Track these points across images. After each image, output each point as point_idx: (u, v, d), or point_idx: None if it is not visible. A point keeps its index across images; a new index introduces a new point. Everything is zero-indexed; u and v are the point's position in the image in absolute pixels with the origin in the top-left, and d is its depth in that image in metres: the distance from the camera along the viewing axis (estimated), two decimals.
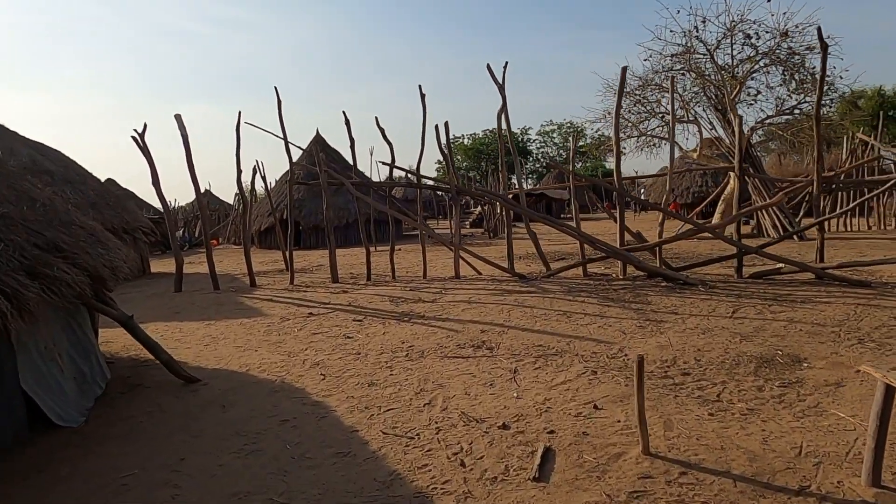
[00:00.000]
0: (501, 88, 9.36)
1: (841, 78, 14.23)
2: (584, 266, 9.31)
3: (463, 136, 71.35)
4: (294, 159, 10.98)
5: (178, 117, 9.26)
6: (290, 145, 10.64)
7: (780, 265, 8.02)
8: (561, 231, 9.18)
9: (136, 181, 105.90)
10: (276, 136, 10.14)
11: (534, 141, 74.99)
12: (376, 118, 10.15)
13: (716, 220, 16.70)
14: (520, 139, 71.45)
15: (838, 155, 22.57)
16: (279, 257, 18.32)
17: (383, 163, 10.09)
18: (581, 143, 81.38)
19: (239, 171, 10.12)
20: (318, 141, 25.73)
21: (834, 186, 17.91)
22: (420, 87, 9.76)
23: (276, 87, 9.98)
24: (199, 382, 5.07)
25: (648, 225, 27.10)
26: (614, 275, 9.30)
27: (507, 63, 9.44)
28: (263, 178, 12.93)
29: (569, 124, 74.10)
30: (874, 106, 33.92)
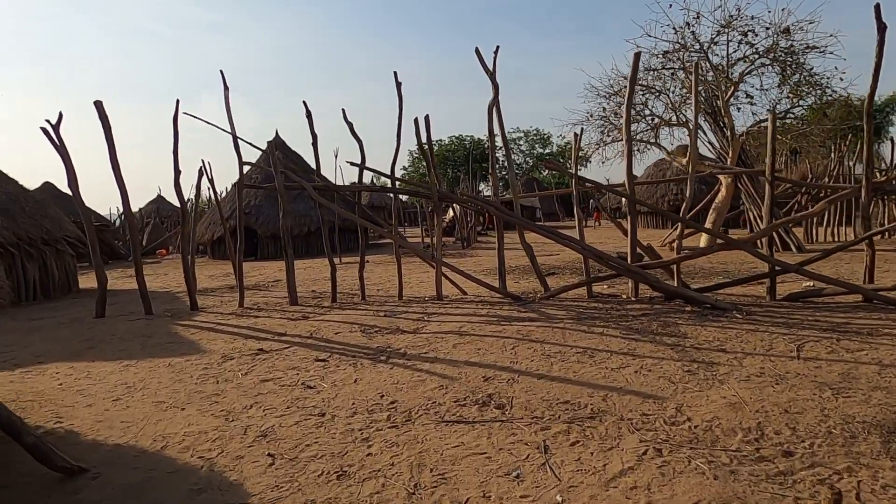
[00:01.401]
0: (492, 76, 7.98)
1: (841, 80, 13.41)
2: (590, 285, 7.97)
3: None
4: (253, 162, 9.37)
5: (97, 104, 7.56)
6: (242, 143, 9.02)
7: (823, 286, 6.85)
8: (563, 244, 7.82)
9: (95, 184, 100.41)
10: (223, 130, 8.51)
11: (499, 148, 74.11)
12: (343, 110, 8.66)
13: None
14: (486, 145, 70.62)
15: (811, 164, 22.10)
16: (233, 270, 16.52)
17: (351, 163, 8.57)
18: (547, 151, 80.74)
19: (177, 172, 8.42)
20: (278, 142, 23.97)
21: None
22: (395, 73, 8.33)
23: (221, 72, 8.38)
24: (85, 474, 3.45)
25: (602, 235, 25.77)
26: (624, 295, 7.98)
27: (497, 48, 8.07)
28: (211, 181, 11.22)
29: (535, 131, 73.82)
30: (842, 115, 34.07)
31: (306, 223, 21.63)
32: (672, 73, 14.83)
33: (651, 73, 14.90)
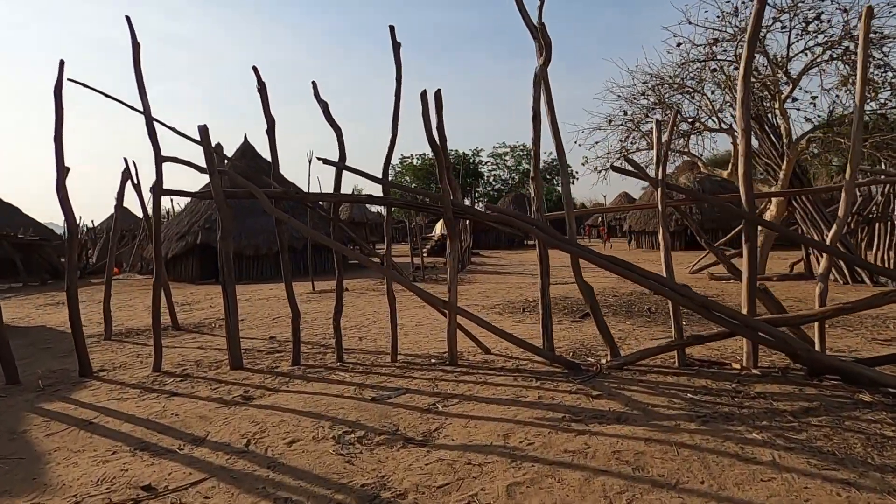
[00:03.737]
0: (541, 32, 5.40)
1: None
2: (682, 349, 5.31)
3: (412, 155, 67.32)
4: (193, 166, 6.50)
5: None
6: (160, 127, 6.27)
7: None
8: (643, 284, 5.15)
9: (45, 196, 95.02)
10: (135, 109, 5.77)
11: (486, 163, 72.35)
12: (313, 84, 5.93)
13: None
14: (472, 161, 68.25)
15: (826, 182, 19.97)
16: (187, 295, 13.52)
17: (325, 160, 5.85)
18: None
19: (62, 170, 5.59)
20: (245, 147, 21.14)
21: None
22: (392, 29, 5.69)
23: (127, 17, 5.63)
24: None
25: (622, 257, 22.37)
26: (736, 365, 5.32)
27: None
28: (136, 187, 8.42)
29: (521, 146, 71.53)
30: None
31: (277, 241, 18.79)
32: (713, 70, 12.44)
33: (691, 65, 12.49)
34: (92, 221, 32.80)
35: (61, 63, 5.46)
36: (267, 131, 5.95)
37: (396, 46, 5.73)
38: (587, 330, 7.45)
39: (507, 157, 72.01)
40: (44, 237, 24.71)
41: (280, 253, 6.19)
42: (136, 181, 8.44)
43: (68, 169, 5.72)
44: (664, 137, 5.85)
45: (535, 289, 12.55)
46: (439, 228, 30.78)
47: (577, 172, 69.33)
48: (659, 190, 5.55)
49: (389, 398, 4.72)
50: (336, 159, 6.03)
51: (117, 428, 4.34)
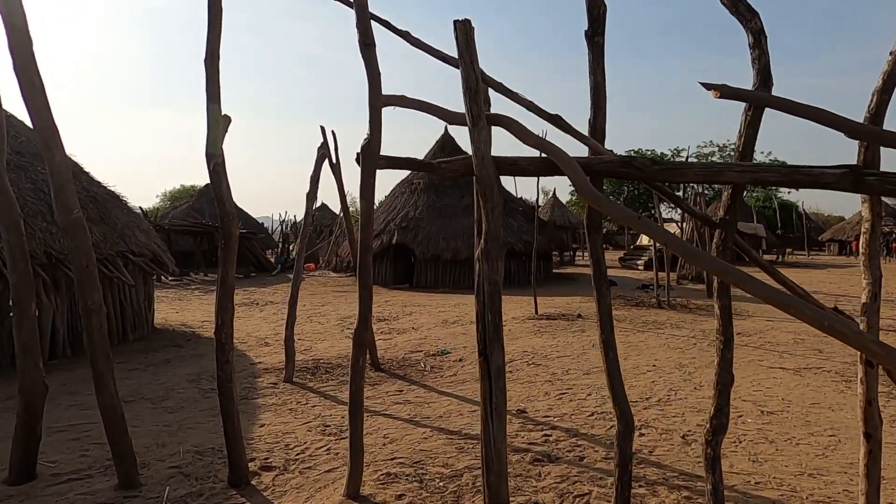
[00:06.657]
0: None
1: None
2: None
3: None
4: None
5: None
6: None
7: None
8: None
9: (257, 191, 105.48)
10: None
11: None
12: None
13: None
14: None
15: None
16: (383, 305, 11.18)
17: (729, 92, 2.54)
18: None
19: (217, 121, 3.10)
20: (446, 141, 18.94)
21: None
22: None
23: None
24: None
25: None
26: None
27: None
28: (334, 167, 6.04)
29: (734, 145, 62.17)
30: None
31: (468, 246, 16.14)
32: None
33: None
34: (294, 216, 33.69)
35: None
36: (588, 34, 2.86)
37: None
38: None
39: (714, 158, 63.09)
40: (250, 230, 25.34)
41: (599, 303, 3.01)
42: (334, 159, 6.09)
43: (228, 119, 3.22)
44: None
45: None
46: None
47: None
48: None
49: None
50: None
51: None
